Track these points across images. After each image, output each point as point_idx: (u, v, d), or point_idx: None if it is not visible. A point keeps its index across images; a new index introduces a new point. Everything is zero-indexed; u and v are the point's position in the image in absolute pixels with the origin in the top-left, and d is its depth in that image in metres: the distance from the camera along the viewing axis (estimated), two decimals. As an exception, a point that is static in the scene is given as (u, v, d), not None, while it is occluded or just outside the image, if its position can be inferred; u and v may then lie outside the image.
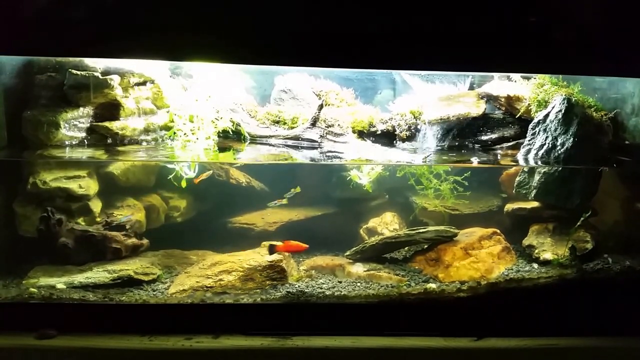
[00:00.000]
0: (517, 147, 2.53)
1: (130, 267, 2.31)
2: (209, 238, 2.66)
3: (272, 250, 2.38)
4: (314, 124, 2.51)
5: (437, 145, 2.56)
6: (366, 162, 2.64)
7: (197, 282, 2.27)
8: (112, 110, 2.41)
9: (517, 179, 2.67)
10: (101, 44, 2.01)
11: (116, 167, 2.54)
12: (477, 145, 2.59)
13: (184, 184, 2.54)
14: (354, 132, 2.60)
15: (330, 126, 2.55)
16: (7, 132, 2.32)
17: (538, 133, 2.43)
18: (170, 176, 2.52)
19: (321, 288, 2.29)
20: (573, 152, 2.33)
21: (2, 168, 2.38)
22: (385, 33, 2.04)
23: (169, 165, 2.54)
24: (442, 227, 2.58)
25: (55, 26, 1.99)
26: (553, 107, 2.41)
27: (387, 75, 2.73)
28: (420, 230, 2.55)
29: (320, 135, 2.51)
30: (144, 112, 2.50)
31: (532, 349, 2.07)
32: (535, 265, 2.48)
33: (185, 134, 2.45)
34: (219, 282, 2.26)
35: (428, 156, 2.48)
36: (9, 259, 2.37)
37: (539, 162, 2.40)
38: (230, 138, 2.53)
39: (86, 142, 2.37)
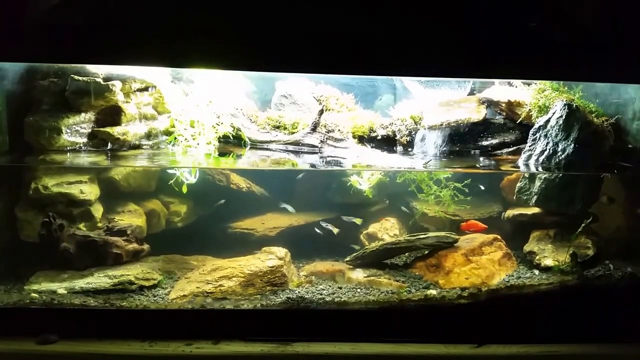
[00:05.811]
0: (517, 153, 2.53)
1: (131, 272, 2.31)
2: (210, 243, 2.66)
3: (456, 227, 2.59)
4: (314, 129, 2.52)
5: (437, 151, 2.56)
6: (366, 168, 2.64)
7: (197, 287, 2.27)
8: (113, 115, 2.42)
9: (518, 184, 2.67)
10: (103, 51, 2.02)
11: (117, 172, 2.55)
12: (477, 151, 2.59)
13: (184, 190, 2.54)
14: (354, 137, 2.60)
15: (330, 131, 2.55)
16: (9, 138, 2.33)
17: (539, 139, 2.43)
18: (171, 181, 2.53)
19: (321, 294, 2.29)
20: (574, 158, 2.32)
21: (4, 173, 2.39)
22: (385, 39, 2.05)
23: (170, 171, 2.54)
24: (442, 233, 2.57)
25: (57, 33, 2.00)
26: (554, 113, 2.40)
27: (387, 80, 2.73)
28: (421, 236, 2.55)
29: (321, 141, 2.51)
30: (145, 117, 2.51)
31: (533, 355, 2.06)
32: (536, 272, 2.47)
33: (186, 139, 2.45)
34: (219, 288, 2.26)
35: (428, 162, 2.48)
36: (11, 264, 2.38)
37: (540, 168, 2.39)
38: (231, 143, 2.54)
39: (88, 148, 2.38)
